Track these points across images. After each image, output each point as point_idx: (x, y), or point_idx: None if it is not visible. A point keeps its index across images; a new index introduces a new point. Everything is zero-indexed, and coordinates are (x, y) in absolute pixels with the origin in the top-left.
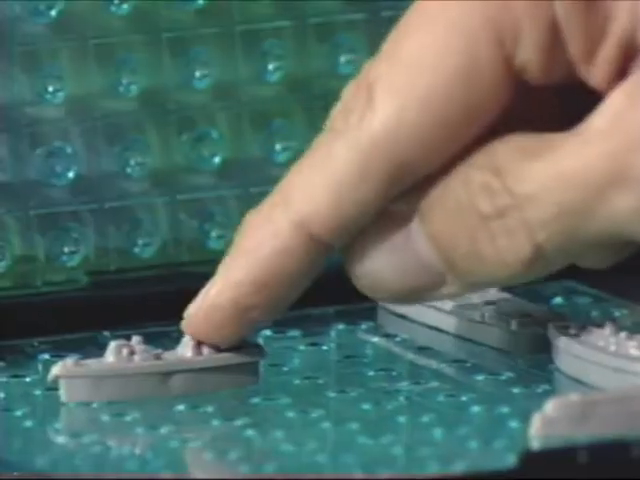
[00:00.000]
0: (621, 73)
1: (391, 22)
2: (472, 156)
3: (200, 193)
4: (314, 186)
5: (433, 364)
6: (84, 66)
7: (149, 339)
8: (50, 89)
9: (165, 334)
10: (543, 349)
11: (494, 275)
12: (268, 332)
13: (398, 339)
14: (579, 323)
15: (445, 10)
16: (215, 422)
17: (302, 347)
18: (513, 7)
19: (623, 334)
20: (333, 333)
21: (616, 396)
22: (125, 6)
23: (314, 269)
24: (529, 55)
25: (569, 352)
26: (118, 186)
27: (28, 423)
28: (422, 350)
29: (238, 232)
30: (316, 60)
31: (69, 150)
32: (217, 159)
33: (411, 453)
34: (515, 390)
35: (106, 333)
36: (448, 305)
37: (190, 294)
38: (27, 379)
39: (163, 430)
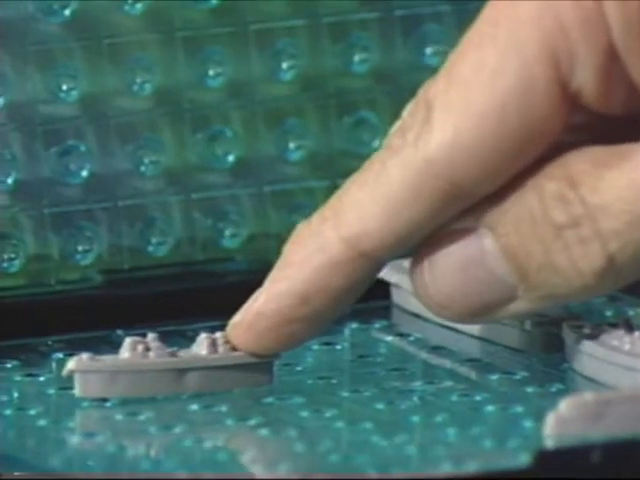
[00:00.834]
0: None
1: (404, 21)
2: (544, 167)
3: (214, 191)
4: (366, 203)
5: (447, 363)
6: (98, 65)
7: (163, 337)
8: (64, 88)
9: (179, 333)
10: (557, 348)
11: (567, 286)
12: None
13: (412, 338)
14: (593, 322)
15: (503, 30)
16: (229, 421)
17: (315, 346)
18: (569, 29)
19: (637, 333)
20: (347, 332)
21: (630, 395)
22: (139, 5)
23: (361, 285)
24: (585, 79)
25: (583, 351)
26: (132, 185)
27: (42, 422)
28: (436, 349)
29: (287, 243)
30: (330, 59)
31: (83, 149)
32: (231, 157)
33: (425, 453)
34: (529, 389)
35: (120, 332)
36: None
37: (204, 293)
38: (41, 378)
39: (177, 429)
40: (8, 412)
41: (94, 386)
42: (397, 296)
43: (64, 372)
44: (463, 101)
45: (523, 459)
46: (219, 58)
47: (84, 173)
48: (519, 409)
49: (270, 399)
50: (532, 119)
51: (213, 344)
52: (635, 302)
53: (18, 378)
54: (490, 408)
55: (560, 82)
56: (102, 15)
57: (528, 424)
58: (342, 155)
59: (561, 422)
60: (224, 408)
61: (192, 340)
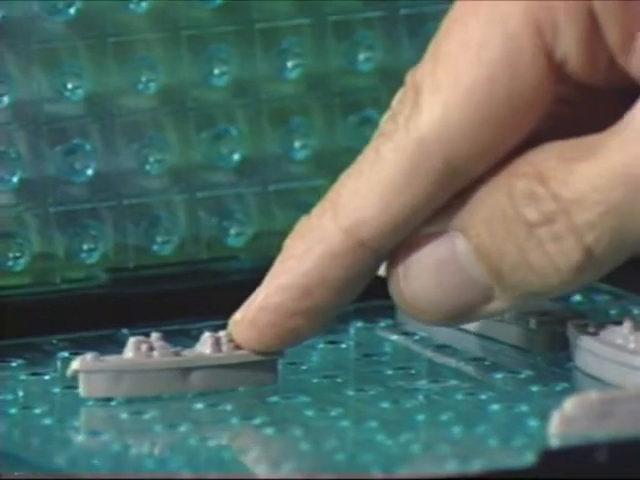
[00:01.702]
0: None
1: (409, 19)
2: (512, 166)
3: (219, 190)
4: (362, 190)
5: (452, 362)
6: (103, 64)
7: (168, 336)
8: (69, 86)
9: (184, 332)
10: (562, 347)
11: (545, 283)
12: None
13: (417, 337)
14: (598, 321)
15: (484, 5)
16: (234, 420)
17: (321, 345)
18: (551, 0)
19: None
20: (352, 331)
21: (635, 394)
22: (144, 4)
23: (361, 278)
24: (568, 46)
25: (588, 350)
26: (137, 183)
27: (47, 421)
28: (441, 348)
29: (288, 238)
30: (335, 58)
31: (88, 147)
32: (236, 156)
33: (430, 451)
34: (534, 388)
35: (125, 331)
36: None
37: (209, 291)
38: (46, 377)
39: (182, 428)
40: (13, 411)
41: (98, 386)
42: None
43: (68, 372)
44: (450, 78)
45: (528, 458)
46: (224, 57)
47: (89, 172)
48: (524, 408)
49: (275, 398)
50: (520, 90)
51: (217, 343)
52: None
53: (23, 377)
54: (495, 407)
55: (545, 52)
56: (107, 14)
57: (533, 423)
58: (347, 153)
59: (566, 421)
60: (229, 407)
61: (196, 339)
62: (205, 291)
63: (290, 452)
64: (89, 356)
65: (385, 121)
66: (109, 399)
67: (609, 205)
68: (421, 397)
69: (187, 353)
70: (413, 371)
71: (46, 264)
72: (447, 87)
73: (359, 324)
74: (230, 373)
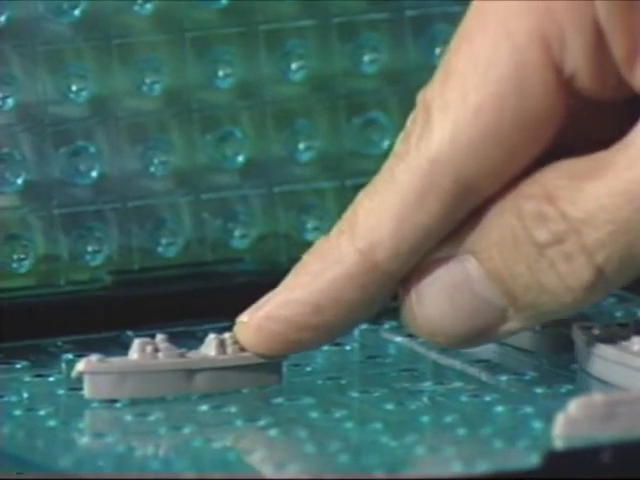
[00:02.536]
0: None
1: (414, 21)
2: (520, 187)
3: (223, 192)
4: (377, 212)
5: (456, 364)
6: (107, 65)
7: (173, 338)
8: (74, 88)
9: (189, 334)
10: (567, 349)
11: (557, 303)
12: None
13: (421, 339)
14: (603, 323)
15: (492, 21)
16: (238, 422)
17: (325, 347)
18: (555, 12)
19: None
20: (356, 333)
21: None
22: (148, 6)
23: (375, 300)
24: (576, 61)
25: (593, 352)
26: (141, 185)
27: (51, 423)
28: (445, 350)
29: (305, 253)
30: (339, 59)
31: (93, 149)
32: (240, 158)
33: (434, 453)
34: (539, 390)
35: (129, 333)
36: None
37: (214, 293)
38: (51, 379)
39: (186, 430)
40: (18, 412)
41: (103, 387)
42: None
43: (73, 374)
44: (459, 97)
45: (532, 460)
46: (229, 59)
47: (94, 174)
48: (529, 410)
49: (280, 400)
50: (528, 106)
51: (222, 345)
52: None
53: (28, 379)
54: (500, 409)
55: (553, 67)
56: (112, 15)
57: (538, 425)
58: (352, 156)
59: (571, 423)
60: (234, 409)
61: (201, 341)
62: (210, 293)
63: (295, 454)
64: (94, 357)
65: (399, 141)
66: (114, 401)
67: (618, 224)
68: (426, 399)
69: (192, 355)
70: (417, 373)
71: (51, 266)
72: (456, 106)
73: (363, 326)
74: (235, 375)
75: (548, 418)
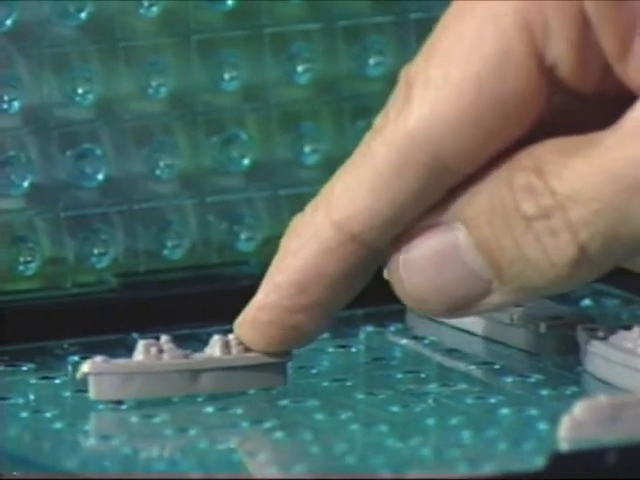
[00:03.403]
0: None
1: (419, 24)
2: (513, 159)
3: (229, 195)
4: (354, 185)
5: (462, 366)
6: (113, 68)
7: (178, 341)
8: (80, 91)
9: (194, 336)
10: (572, 351)
11: (540, 278)
12: None
13: (427, 341)
14: (608, 325)
15: (479, 3)
16: (244, 424)
17: (331, 349)
18: (543, 2)
19: None
20: (362, 335)
21: None
22: (154, 8)
23: (359, 273)
24: (559, 49)
25: (598, 354)
26: (147, 188)
27: (58, 425)
28: (450, 352)
29: (284, 236)
30: (345, 62)
31: (99, 152)
32: (246, 161)
33: (440, 455)
34: (544, 392)
35: (135, 335)
36: None
37: (219, 296)
38: (57, 381)
39: (192, 432)
40: (24, 414)
41: (108, 388)
42: None
43: (78, 375)
44: (441, 73)
45: (537, 462)
46: (234, 61)
47: (100, 176)
48: (534, 412)
49: (285, 401)
50: (507, 91)
51: (226, 345)
52: None
53: (34, 381)
54: (505, 411)
55: (535, 55)
56: (117, 18)
57: (543, 427)
58: None
59: (576, 425)
60: (239, 410)
61: (206, 343)
62: (215, 296)
63: (300, 455)
64: (99, 358)
65: (379, 116)
66: (119, 403)
67: (602, 203)
68: (431, 401)
69: (196, 356)
70: (423, 375)
71: (57, 268)
72: (437, 83)
73: (369, 328)
74: (239, 375)
75: (553, 420)
